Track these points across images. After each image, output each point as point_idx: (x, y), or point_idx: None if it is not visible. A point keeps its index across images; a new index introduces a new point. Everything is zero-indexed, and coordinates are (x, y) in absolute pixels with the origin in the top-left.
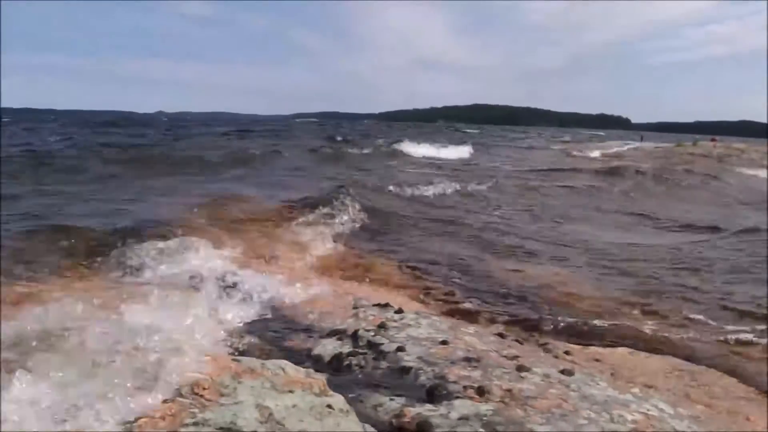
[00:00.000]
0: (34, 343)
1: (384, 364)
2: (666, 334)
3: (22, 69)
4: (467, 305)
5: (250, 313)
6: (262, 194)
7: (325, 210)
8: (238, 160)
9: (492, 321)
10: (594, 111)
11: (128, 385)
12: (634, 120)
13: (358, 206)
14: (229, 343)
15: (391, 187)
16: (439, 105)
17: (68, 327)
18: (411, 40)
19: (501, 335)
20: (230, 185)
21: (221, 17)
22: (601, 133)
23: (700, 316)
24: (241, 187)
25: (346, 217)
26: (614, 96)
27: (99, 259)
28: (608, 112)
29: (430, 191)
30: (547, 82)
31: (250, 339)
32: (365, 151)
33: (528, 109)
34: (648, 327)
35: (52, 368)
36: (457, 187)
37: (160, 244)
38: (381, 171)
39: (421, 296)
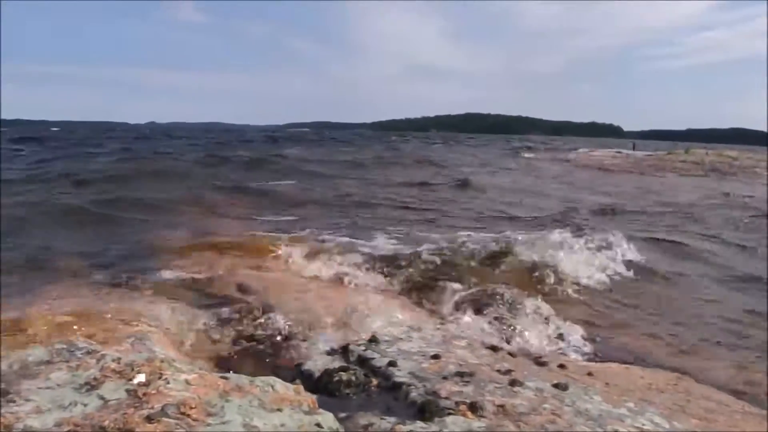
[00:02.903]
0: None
1: (375, 380)
2: (661, 349)
3: (13, 79)
4: None
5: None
6: None
7: None
8: None
9: None
10: (585, 119)
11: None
12: (626, 128)
13: None
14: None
15: None
16: (432, 114)
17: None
18: (405, 47)
19: (493, 348)
20: None
21: (215, 25)
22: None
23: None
24: None
25: None
26: (605, 103)
27: None
28: (599, 119)
29: None
30: (539, 88)
31: (239, 352)
32: None
33: (520, 118)
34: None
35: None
36: None
37: None
38: None
39: None
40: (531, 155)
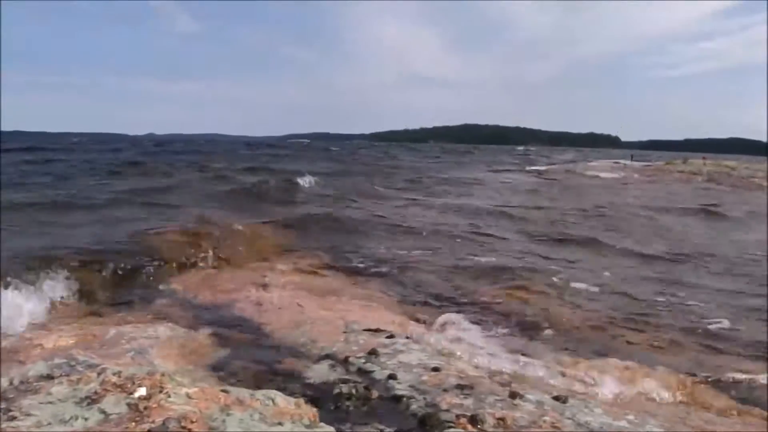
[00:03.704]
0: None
1: (375, 393)
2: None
3: (10, 88)
4: None
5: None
6: None
7: None
8: None
9: None
10: (584, 129)
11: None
12: (624, 138)
13: None
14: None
15: None
16: (430, 125)
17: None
18: (402, 57)
19: (493, 356)
20: None
21: (212, 35)
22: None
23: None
24: None
25: None
26: (603, 114)
27: None
28: (597, 130)
29: None
30: (536, 97)
31: (239, 366)
32: None
33: (518, 129)
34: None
35: None
36: None
37: None
38: None
39: None
40: (554, 166)
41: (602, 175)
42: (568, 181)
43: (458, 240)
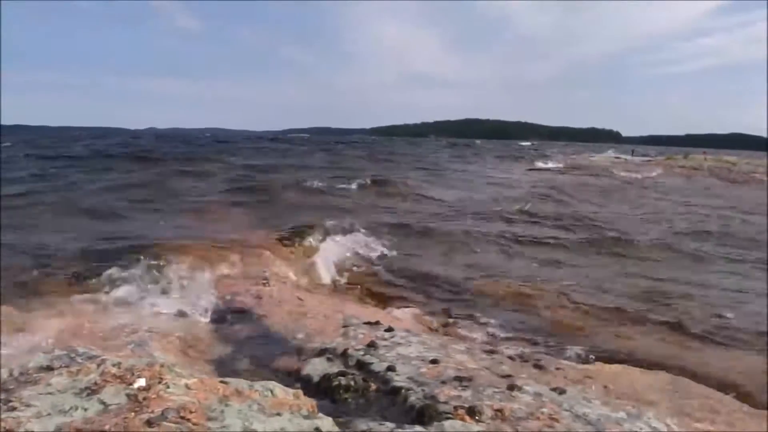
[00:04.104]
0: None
1: (373, 385)
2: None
3: (11, 86)
4: None
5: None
6: None
7: None
8: None
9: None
10: (584, 125)
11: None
12: (625, 133)
13: None
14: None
15: None
16: (430, 120)
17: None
18: (402, 57)
19: (492, 351)
20: None
21: (212, 33)
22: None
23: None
24: None
25: None
26: (604, 109)
27: None
28: (598, 125)
29: None
30: (537, 94)
31: (239, 359)
32: None
33: (518, 123)
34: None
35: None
36: None
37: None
38: None
39: None
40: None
41: (623, 174)
42: (593, 179)
43: (464, 242)
